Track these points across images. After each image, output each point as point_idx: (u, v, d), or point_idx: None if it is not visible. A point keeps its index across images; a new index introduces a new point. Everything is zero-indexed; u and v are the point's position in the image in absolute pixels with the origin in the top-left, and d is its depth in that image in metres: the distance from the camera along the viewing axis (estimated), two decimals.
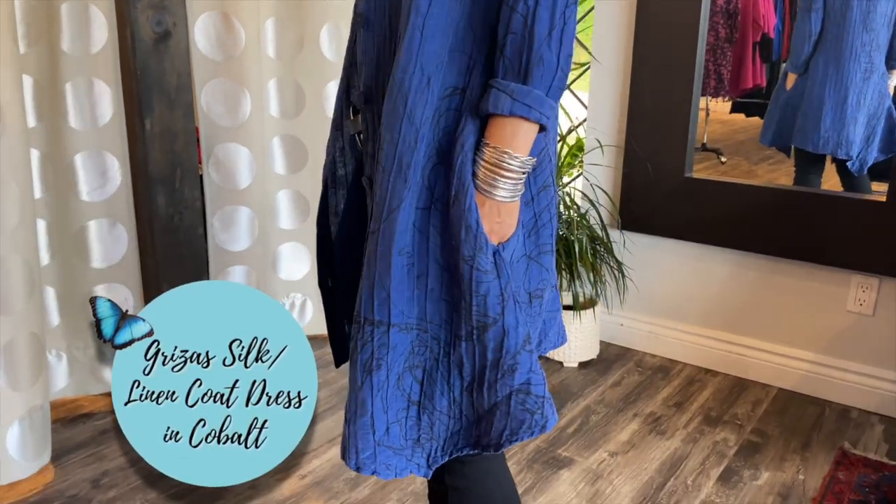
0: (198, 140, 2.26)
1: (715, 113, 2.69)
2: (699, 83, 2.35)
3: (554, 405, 0.99)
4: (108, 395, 2.25)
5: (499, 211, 0.90)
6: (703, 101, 2.63)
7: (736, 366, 2.43)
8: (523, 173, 0.89)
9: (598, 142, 2.49)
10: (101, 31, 1.91)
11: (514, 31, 0.84)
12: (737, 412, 2.22)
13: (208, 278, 2.22)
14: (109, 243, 2.05)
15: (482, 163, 0.88)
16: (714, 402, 2.28)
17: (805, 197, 2.24)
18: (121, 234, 2.06)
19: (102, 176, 2.00)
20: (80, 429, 2.08)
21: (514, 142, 0.87)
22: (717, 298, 2.44)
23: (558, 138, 2.22)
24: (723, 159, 2.64)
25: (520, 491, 1.81)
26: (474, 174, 0.89)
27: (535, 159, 0.90)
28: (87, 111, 1.95)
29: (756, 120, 2.67)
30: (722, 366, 2.46)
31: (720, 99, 2.65)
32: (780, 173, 2.48)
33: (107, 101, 1.96)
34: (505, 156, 0.87)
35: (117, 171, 2.01)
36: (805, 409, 2.24)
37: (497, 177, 0.88)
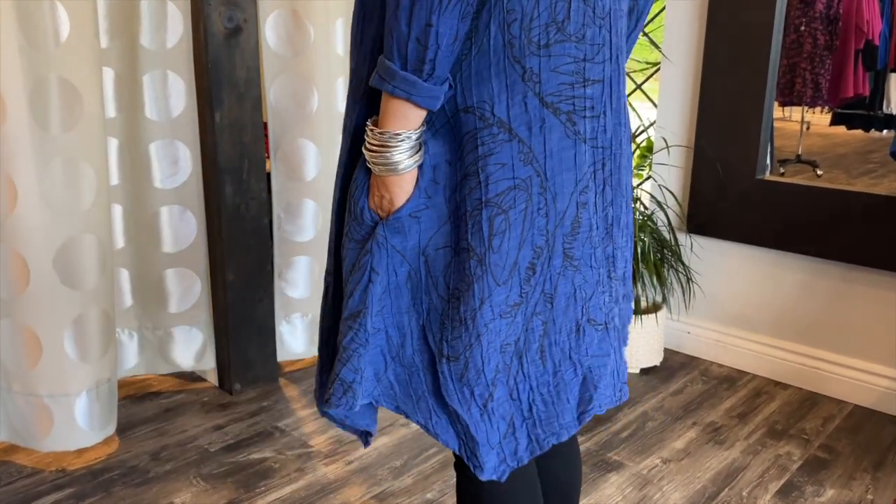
0: (266, 133, 2.35)
1: (815, 126, 2.57)
2: (773, 82, 2.26)
3: (347, 393, 0.94)
4: (176, 375, 2.36)
5: (376, 184, 0.89)
6: (799, 112, 2.52)
7: (808, 379, 2.31)
8: (377, 146, 0.86)
9: (665, 141, 2.43)
10: (177, 26, 2.01)
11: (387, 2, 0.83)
12: (805, 427, 2.10)
13: (272, 267, 2.29)
14: (180, 229, 2.15)
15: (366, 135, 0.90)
16: (781, 415, 2.16)
17: (888, 202, 2.11)
18: (190, 221, 2.15)
19: (174, 165, 2.10)
20: (147, 405, 2.18)
21: (382, 115, 0.86)
22: (789, 307, 2.33)
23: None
24: (819, 172, 2.52)
25: None
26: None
27: (394, 134, 0.85)
28: (162, 103, 2.05)
29: (859, 133, 2.53)
30: (793, 379, 2.34)
31: (818, 110, 2.53)
32: (881, 188, 2.35)
33: (180, 94, 2.06)
34: (368, 126, 0.88)
35: (188, 161, 2.11)
36: (882, 428, 2.10)
37: (365, 149, 0.88)
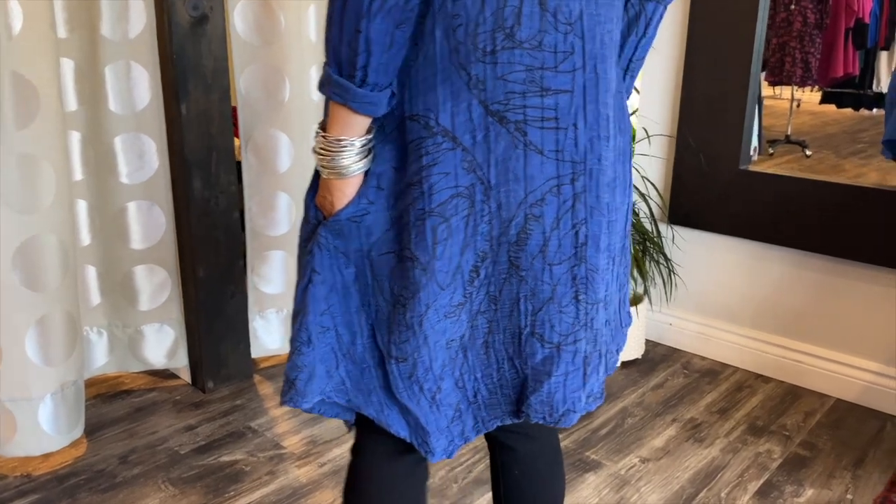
0: (236, 124, 2.28)
1: (806, 104, 2.52)
2: (757, 69, 2.20)
3: (291, 389, 0.95)
4: (149, 372, 2.32)
5: (322, 184, 0.90)
6: (788, 91, 2.47)
7: (790, 373, 2.28)
8: (322, 150, 0.86)
9: (646, 131, 2.37)
10: (140, 15, 1.93)
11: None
12: (786, 423, 2.07)
13: (244, 262, 2.24)
14: (148, 225, 2.09)
15: None
16: (762, 410, 2.14)
17: (872, 194, 2.07)
18: (158, 216, 2.09)
19: (140, 159, 2.04)
20: (118, 405, 2.13)
21: (329, 119, 0.85)
22: (772, 300, 2.29)
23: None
24: (808, 152, 2.48)
25: None
26: None
27: (336, 139, 0.85)
28: (126, 95, 1.98)
29: (849, 111, 2.49)
30: (775, 372, 2.31)
31: (809, 88, 2.48)
32: (869, 168, 2.31)
33: (144, 85, 1.99)
34: (316, 129, 0.88)
35: (154, 154, 2.04)
36: (863, 423, 2.07)
37: (313, 151, 0.88)
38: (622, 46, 0.99)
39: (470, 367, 0.96)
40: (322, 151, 0.86)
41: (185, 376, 2.27)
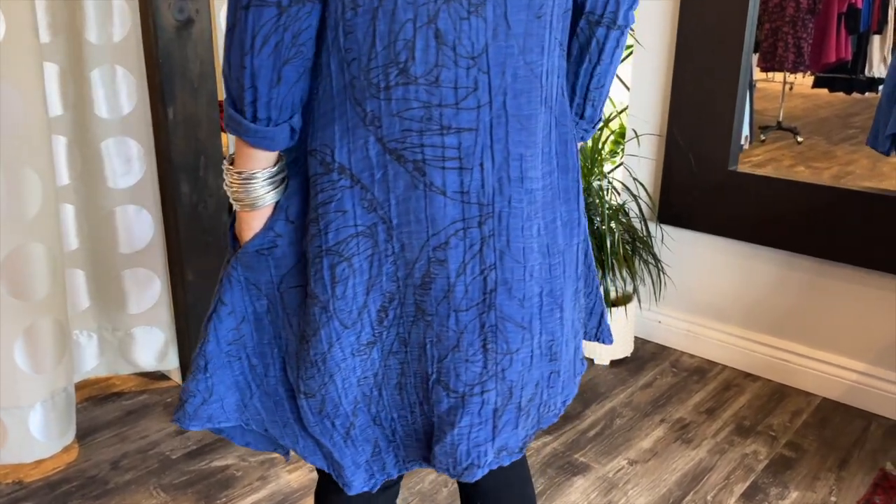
0: (223, 128, 2.26)
1: (798, 87, 2.52)
2: (746, 71, 2.20)
3: (179, 410, 0.95)
4: (139, 375, 2.32)
5: (237, 217, 0.89)
6: (781, 74, 2.47)
7: (778, 372, 2.30)
8: (229, 182, 0.85)
9: (634, 132, 2.37)
10: (124, 19, 1.91)
11: None
12: (772, 423, 2.10)
13: None
14: (136, 229, 2.08)
15: None
16: (749, 410, 2.16)
17: (860, 197, 2.07)
18: (146, 221, 2.08)
19: (127, 163, 2.02)
20: (109, 408, 2.14)
21: (235, 152, 0.84)
22: (760, 300, 2.30)
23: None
24: (799, 139, 2.48)
25: None
26: None
27: (237, 172, 0.83)
28: (112, 99, 1.97)
29: (841, 95, 2.49)
30: (763, 371, 2.33)
31: (801, 73, 2.48)
32: (860, 154, 2.31)
33: (131, 90, 1.97)
34: (224, 163, 0.87)
35: (142, 159, 2.03)
36: (849, 423, 2.10)
37: (224, 184, 0.89)
38: (577, 74, 0.94)
39: (386, 406, 0.93)
40: (230, 184, 0.85)
41: (177, 377, 2.27)
